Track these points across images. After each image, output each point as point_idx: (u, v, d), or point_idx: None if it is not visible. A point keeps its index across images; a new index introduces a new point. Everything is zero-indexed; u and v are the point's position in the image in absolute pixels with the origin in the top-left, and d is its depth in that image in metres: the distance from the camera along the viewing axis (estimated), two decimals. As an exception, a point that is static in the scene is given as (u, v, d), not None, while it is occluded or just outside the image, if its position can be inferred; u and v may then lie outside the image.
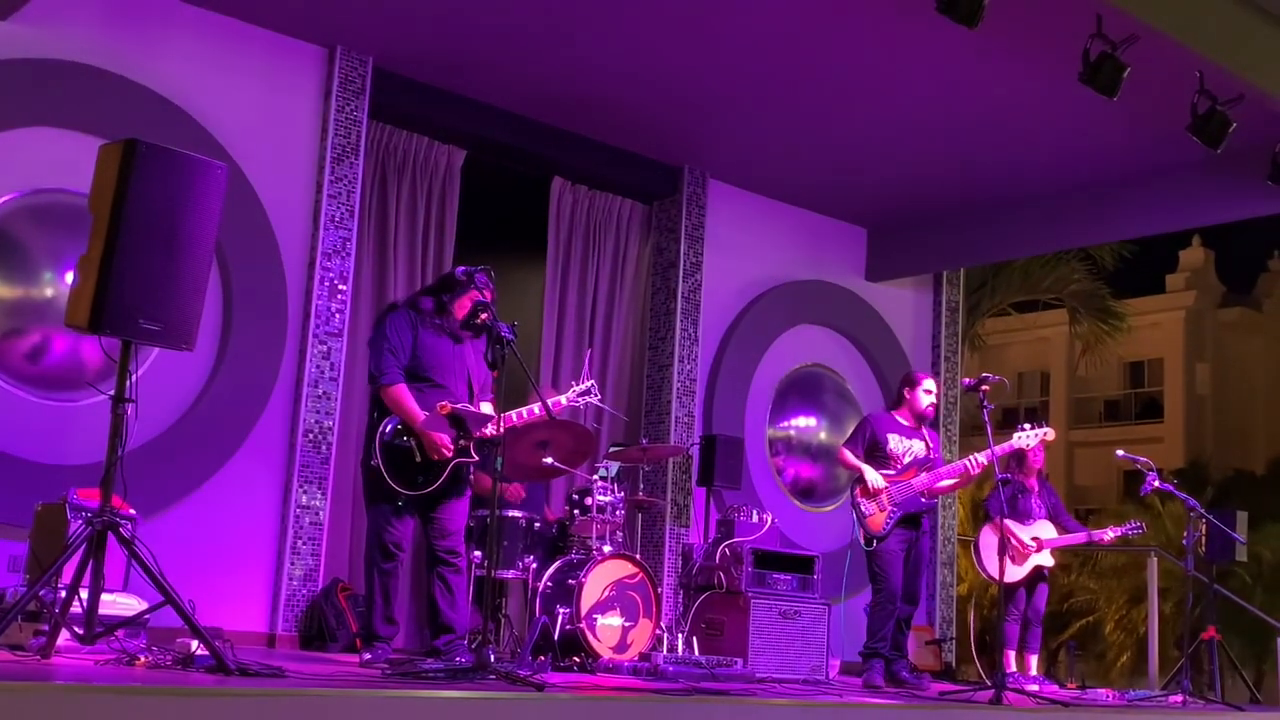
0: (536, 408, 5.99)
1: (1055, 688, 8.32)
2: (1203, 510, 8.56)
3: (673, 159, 9.50)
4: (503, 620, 7.05)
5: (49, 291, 6.87)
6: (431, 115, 8.47)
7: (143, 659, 4.33)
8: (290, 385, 7.61)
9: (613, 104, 8.56)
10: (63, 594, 4.53)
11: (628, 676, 6.02)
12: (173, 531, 6.91)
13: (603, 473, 6.99)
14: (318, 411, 7.62)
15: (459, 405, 5.71)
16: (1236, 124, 7.22)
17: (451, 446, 5.69)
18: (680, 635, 7.10)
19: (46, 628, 4.50)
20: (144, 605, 5.03)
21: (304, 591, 7.45)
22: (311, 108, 7.86)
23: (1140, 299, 24.91)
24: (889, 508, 7.13)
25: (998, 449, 6.72)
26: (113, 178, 4.40)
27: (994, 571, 7.44)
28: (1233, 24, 7.12)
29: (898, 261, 10.77)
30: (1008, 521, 7.85)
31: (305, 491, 7.53)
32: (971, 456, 7.18)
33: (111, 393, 4.49)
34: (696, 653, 6.92)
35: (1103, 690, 8.31)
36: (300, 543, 7.49)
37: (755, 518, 7.91)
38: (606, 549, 6.66)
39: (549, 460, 6.74)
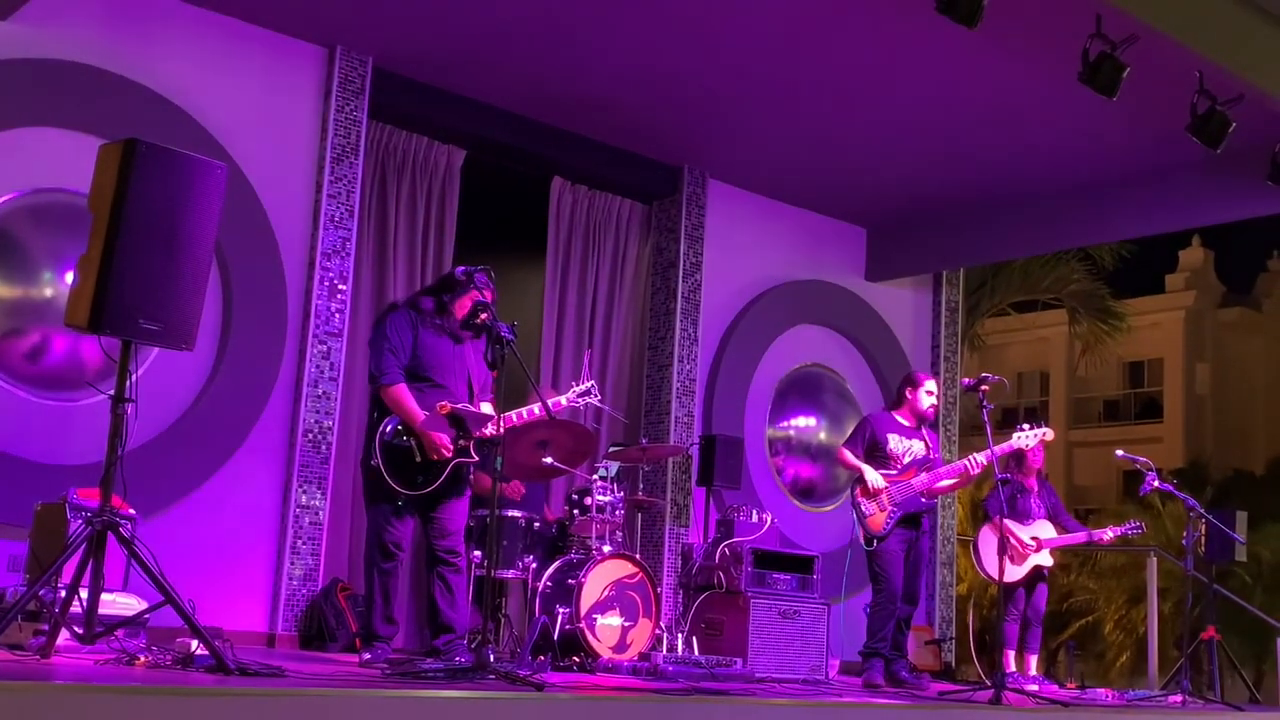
0: (536, 408, 5.99)
1: (1055, 687, 8.32)
2: (1202, 510, 8.56)
3: (672, 159, 9.50)
4: (502, 620, 7.04)
5: (49, 291, 6.87)
6: (431, 115, 8.47)
7: (142, 659, 4.33)
8: (290, 385, 7.61)
9: (612, 104, 8.56)
10: (62, 594, 4.53)
11: (627, 676, 6.02)
12: (172, 531, 6.91)
13: (602, 472, 6.99)
14: (317, 411, 7.62)
15: (459, 405, 5.72)
16: (1236, 124, 7.22)
17: (451, 446, 5.69)
18: (680, 635, 7.10)
19: (46, 627, 4.50)
20: (144, 605, 5.03)
21: (304, 591, 7.45)
22: (311, 107, 7.86)
23: (1140, 299, 24.92)
24: (889, 508, 7.13)
25: (997, 449, 6.73)
26: (113, 177, 4.41)
27: (993, 571, 7.44)
28: (1233, 24, 7.12)
29: (897, 261, 10.77)
30: (1007, 521, 7.85)
31: (305, 491, 7.53)
32: (971, 456, 7.19)
33: (111, 392, 4.49)
34: (696, 652, 6.92)
35: (1102, 690, 8.31)
36: (300, 542, 7.49)
37: (755, 518, 7.91)
38: (606, 549, 6.66)
39: (549, 460, 6.74)
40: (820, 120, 8.71)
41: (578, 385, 6.40)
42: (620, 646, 6.44)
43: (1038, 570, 8.37)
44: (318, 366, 7.65)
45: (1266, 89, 7.23)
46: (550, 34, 7.66)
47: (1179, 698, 7.42)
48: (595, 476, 6.97)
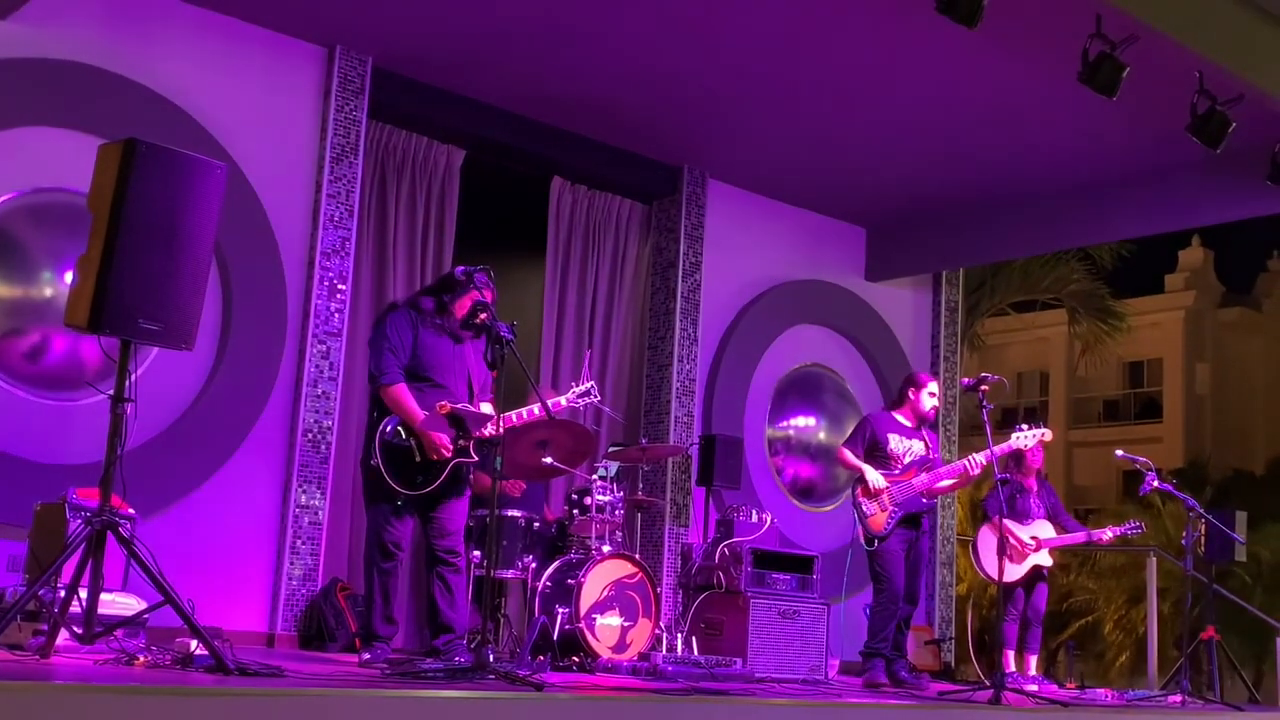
0: (536, 408, 5.99)
1: (1054, 687, 8.32)
2: (1202, 510, 8.56)
3: (672, 159, 9.50)
4: (502, 620, 7.04)
5: (48, 291, 6.87)
6: (431, 115, 8.47)
7: (142, 659, 4.33)
8: (289, 385, 7.61)
9: (612, 104, 8.56)
10: (62, 593, 4.53)
11: (627, 676, 6.02)
12: (172, 531, 6.91)
13: (602, 472, 6.99)
14: (317, 411, 7.62)
15: (458, 405, 5.72)
16: (1236, 124, 7.22)
17: (451, 446, 5.69)
18: (679, 635, 7.10)
19: (46, 627, 4.50)
20: (143, 605, 5.03)
21: (303, 591, 7.45)
22: (311, 107, 7.86)
23: (1139, 299, 24.92)
24: (890, 508, 7.13)
25: (996, 449, 6.73)
26: (112, 177, 4.40)
27: (992, 571, 7.44)
28: (1233, 24, 7.12)
29: (897, 261, 10.77)
30: (1006, 521, 7.85)
31: (304, 491, 7.53)
32: (971, 457, 7.19)
33: (111, 392, 4.49)
34: (695, 652, 6.92)
35: (1102, 690, 8.31)
36: (299, 542, 7.49)
37: (754, 517, 7.91)
38: (606, 549, 6.66)
39: (548, 460, 6.74)
40: (820, 120, 8.71)
41: (577, 385, 6.39)
42: (620, 646, 6.44)
43: (1037, 570, 8.37)
44: (317, 366, 7.65)
45: (1266, 89, 7.23)
46: (550, 34, 7.66)
47: (1179, 698, 7.42)
48: (595, 476, 6.97)
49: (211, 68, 7.47)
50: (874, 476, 7.16)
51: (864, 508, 7.19)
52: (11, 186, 6.79)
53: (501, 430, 5.30)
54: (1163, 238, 13.60)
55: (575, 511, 7.04)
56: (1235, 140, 7.30)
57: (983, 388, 6.58)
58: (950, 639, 10.41)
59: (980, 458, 7.06)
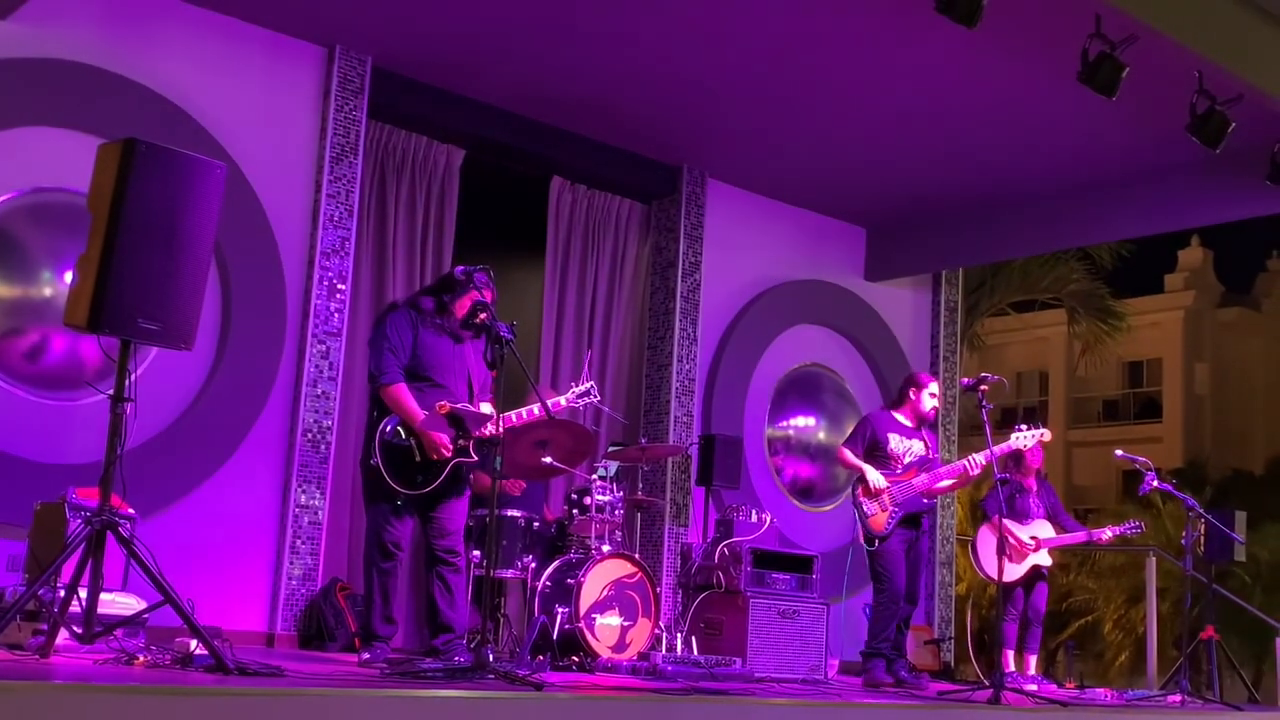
0: (536, 408, 5.99)
1: (1053, 687, 8.32)
2: (1201, 510, 8.56)
3: (672, 159, 9.50)
4: (501, 620, 7.04)
5: (48, 291, 6.87)
6: (430, 115, 8.47)
7: (141, 658, 4.33)
8: (289, 385, 7.61)
9: (612, 104, 8.56)
10: (62, 593, 4.53)
11: (626, 676, 6.02)
12: (172, 531, 6.91)
13: (601, 472, 6.99)
14: (316, 411, 7.62)
15: (458, 405, 5.72)
16: (1235, 124, 7.23)
17: (451, 446, 5.69)
18: (679, 635, 7.10)
19: (45, 627, 4.50)
20: (143, 604, 5.03)
21: (303, 591, 7.45)
22: (310, 107, 7.86)
23: (1139, 299, 24.92)
24: (891, 508, 7.12)
25: (995, 449, 6.72)
26: (112, 177, 4.40)
27: (992, 571, 7.44)
28: (1232, 24, 7.12)
29: (897, 261, 10.77)
30: (1006, 521, 7.85)
31: (304, 491, 7.53)
32: (970, 457, 7.18)
33: (110, 392, 4.49)
34: (695, 652, 6.93)
35: (1101, 690, 8.31)
36: (299, 542, 7.49)
37: (754, 517, 7.91)
38: (605, 548, 6.67)
39: (548, 460, 6.74)
40: (820, 120, 8.71)
41: (577, 385, 6.39)
42: (619, 646, 6.44)
43: (1036, 570, 8.37)
44: (317, 366, 7.65)
45: (1266, 89, 7.23)
46: (550, 34, 7.66)
47: (1178, 698, 7.42)
48: (594, 476, 6.97)
49: (211, 67, 7.47)
50: (875, 476, 7.16)
51: (865, 507, 7.18)
52: (11, 186, 6.79)
53: (502, 430, 5.30)
54: (1162, 238, 13.59)
55: (575, 511, 7.04)
56: (1235, 140, 7.31)
57: (982, 388, 6.58)
58: (950, 639, 10.41)
59: (980, 458, 7.06)
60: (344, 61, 7.88)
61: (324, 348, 7.69)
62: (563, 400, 6.30)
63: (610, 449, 7.91)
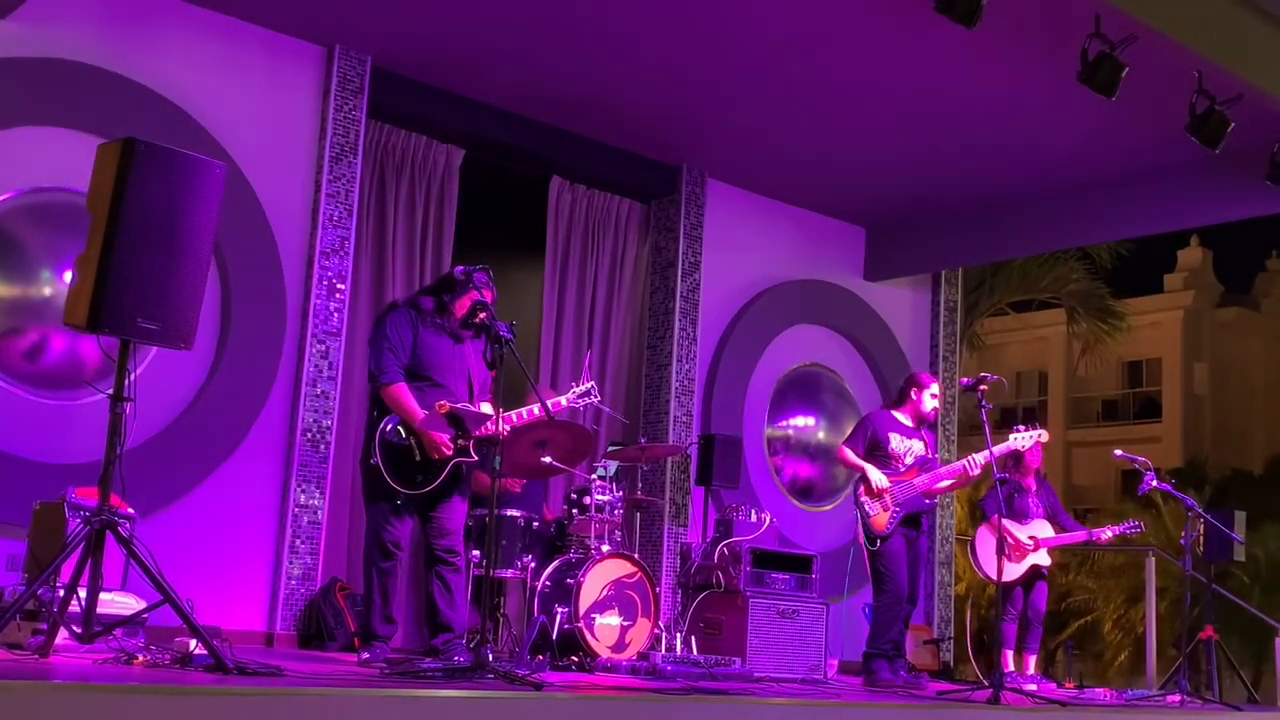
0: (536, 408, 5.99)
1: (1053, 687, 8.32)
2: (1201, 510, 8.56)
3: (671, 158, 9.51)
4: (501, 619, 7.04)
5: (47, 290, 6.86)
6: (430, 114, 8.47)
7: (141, 658, 4.33)
8: (289, 384, 7.61)
9: (611, 104, 8.56)
10: (61, 593, 4.53)
11: (626, 676, 6.02)
12: (171, 530, 6.91)
13: (601, 472, 6.99)
14: (316, 410, 7.62)
15: (458, 405, 5.72)
16: (1235, 124, 7.23)
17: (450, 445, 5.69)
18: (678, 634, 7.10)
19: (45, 627, 4.50)
20: (142, 604, 5.03)
21: (302, 591, 7.45)
22: (310, 107, 7.86)
23: (1138, 299, 24.93)
24: (893, 507, 7.11)
25: (994, 450, 6.73)
26: (111, 177, 4.40)
27: (991, 571, 7.43)
28: (1232, 24, 7.12)
29: (896, 261, 10.78)
30: (1005, 521, 7.85)
31: (304, 491, 7.53)
32: (970, 457, 7.18)
33: (110, 392, 4.49)
34: (695, 652, 6.92)
35: (1100, 690, 8.32)
36: (299, 542, 7.49)
37: (753, 517, 7.91)
38: (605, 548, 6.66)
39: (547, 459, 6.74)
40: (820, 120, 8.71)
41: (578, 386, 6.39)
42: (619, 646, 6.44)
43: (1036, 570, 8.36)
44: (316, 366, 7.65)
45: (1265, 89, 7.23)
46: (550, 33, 7.66)
47: (1177, 697, 7.42)
48: (594, 476, 6.96)
49: (211, 67, 7.47)
50: (877, 476, 7.14)
51: (867, 507, 7.16)
52: (10, 185, 6.79)
53: (503, 428, 5.30)
54: (1161, 237, 13.59)
55: (574, 511, 7.03)
56: (1234, 140, 7.31)
57: (982, 387, 6.58)
58: (949, 639, 10.41)
59: (979, 458, 7.06)
60: (344, 61, 7.88)
61: (323, 347, 7.69)
62: (563, 400, 6.30)
63: (610, 449, 7.91)
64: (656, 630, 6.71)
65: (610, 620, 6.45)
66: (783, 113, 8.63)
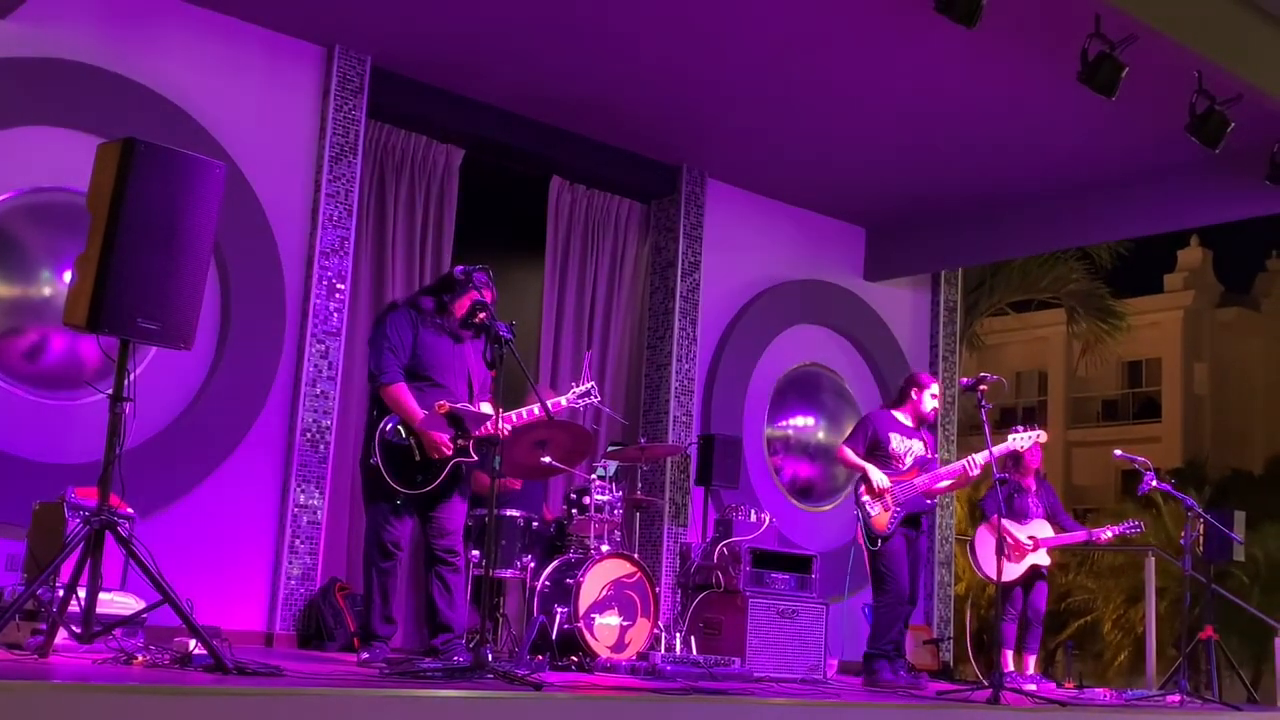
0: (536, 408, 5.99)
1: (1053, 687, 8.32)
2: (1200, 510, 8.56)
3: (671, 158, 9.51)
4: (500, 619, 7.04)
5: (47, 290, 6.86)
6: (430, 114, 8.47)
7: (140, 658, 4.33)
8: (288, 384, 7.61)
9: (611, 104, 8.56)
10: (60, 593, 4.53)
11: (625, 676, 6.02)
12: (170, 530, 6.91)
13: (601, 472, 6.99)
14: (315, 410, 7.62)
15: (457, 405, 5.72)
16: (1235, 124, 7.23)
17: (450, 445, 5.69)
18: (678, 634, 7.10)
19: (44, 626, 4.50)
20: (142, 604, 5.03)
21: (302, 591, 7.45)
22: (310, 107, 7.86)
23: (1138, 298, 24.94)
24: (894, 507, 7.11)
25: (993, 451, 6.73)
26: (111, 176, 4.40)
27: (990, 571, 7.44)
28: (1232, 24, 7.12)
29: (896, 261, 10.78)
30: (1005, 521, 7.85)
31: (303, 491, 7.52)
32: (969, 458, 7.17)
33: (110, 391, 4.49)
34: (694, 652, 6.92)
35: (1100, 690, 8.32)
36: (298, 542, 7.49)
37: (753, 517, 7.91)
38: (604, 548, 6.66)
39: (547, 459, 6.74)
40: (820, 120, 8.71)
41: (578, 386, 6.39)
42: (618, 646, 6.44)
43: (1036, 570, 8.36)
44: (316, 366, 7.65)
45: (1265, 89, 7.23)
46: (550, 33, 7.66)
47: (1177, 697, 7.42)
48: (594, 476, 6.96)
49: (211, 67, 7.47)
50: (878, 476, 7.13)
51: (868, 507, 7.15)
52: (10, 185, 6.79)
53: (503, 428, 5.30)
54: (1161, 237, 13.59)
55: (574, 511, 7.04)
56: (1234, 140, 7.31)
57: (981, 387, 6.58)
58: (949, 639, 10.41)
59: (979, 459, 7.06)
60: (343, 61, 7.88)
61: (323, 347, 7.69)
62: (564, 400, 6.30)
63: (609, 449, 7.91)
64: (656, 630, 6.71)
65: (610, 620, 6.45)
66: (783, 113, 8.63)
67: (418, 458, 5.69)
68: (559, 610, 6.36)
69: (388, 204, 8.40)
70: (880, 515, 7.12)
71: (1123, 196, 9.36)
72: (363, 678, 4.58)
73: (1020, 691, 6.61)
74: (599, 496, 6.84)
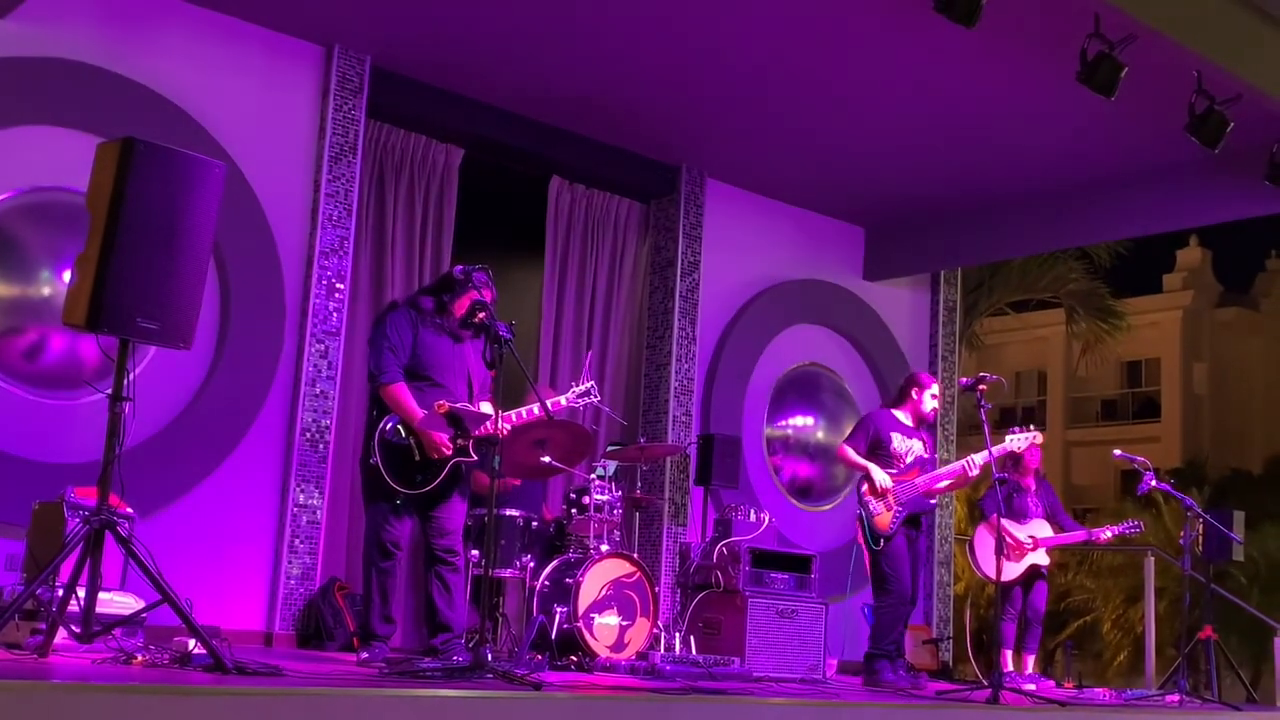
0: (535, 408, 5.99)
1: (1052, 687, 8.32)
2: (1200, 510, 8.56)
3: (670, 158, 9.50)
4: (500, 619, 7.04)
5: (47, 290, 6.86)
6: (429, 114, 8.46)
7: (140, 658, 4.33)
8: (288, 384, 7.61)
9: (611, 103, 8.56)
10: (60, 592, 4.53)
11: (625, 675, 6.02)
12: (170, 530, 6.91)
13: (600, 472, 6.99)
14: (315, 410, 7.62)
15: (457, 405, 5.72)
16: (1234, 124, 7.23)
17: (450, 445, 5.69)
18: (677, 634, 7.10)
19: (44, 626, 4.50)
20: (141, 604, 5.03)
21: (301, 590, 7.45)
22: (309, 106, 7.86)
23: (1138, 298, 24.95)
24: (895, 507, 7.10)
25: (991, 451, 6.73)
26: (110, 176, 4.40)
27: (989, 571, 7.44)
28: (1231, 24, 7.12)
29: (895, 261, 10.77)
30: (1004, 521, 7.85)
31: (303, 490, 7.52)
32: (969, 458, 7.17)
33: (109, 391, 4.49)
34: (694, 652, 6.92)
35: (1100, 690, 8.32)
36: (298, 541, 7.49)
37: (753, 517, 7.91)
38: (604, 548, 6.66)
39: (546, 459, 6.73)
40: (818, 119, 8.71)
41: (577, 385, 6.39)
42: (618, 646, 6.44)
43: (1035, 569, 8.36)
44: (315, 365, 7.65)
45: (1265, 89, 7.23)
46: (549, 34, 7.66)
47: (1176, 697, 7.43)
48: (593, 475, 6.97)
49: (210, 67, 7.47)
50: (880, 475, 7.12)
51: (870, 507, 7.14)
52: (10, 185, 6.79)
53: (503, 428, 5.30)
54: (1161, 237, 13.61)
55: (573, 511, 7.04)
56: (1233, 140, 7.31)
57: (981, 387, 6.58)
58: (948, 638, 10.41)
59: (978, 459, 7.05)
60: (343, 61, 7.88)
61: (323, 347, 7.69)
62: (563, 400, 6.31)
63: (609, 448, 7.91)
64: (655, 630, 6.71)
65: (609, 620, 6.45)
66: (783, 113, 8.63)
67: (417, 457, 5.69)
68: (558, 610, 6.36)
69: (387, 204, 8.40)
70: (883, 515, 7.11)
71: (1122, 196, 9.36)
72: (362, 677, 4.58)
73: (1019, 691, 6.61)
74: (598, 496, 6.84)
